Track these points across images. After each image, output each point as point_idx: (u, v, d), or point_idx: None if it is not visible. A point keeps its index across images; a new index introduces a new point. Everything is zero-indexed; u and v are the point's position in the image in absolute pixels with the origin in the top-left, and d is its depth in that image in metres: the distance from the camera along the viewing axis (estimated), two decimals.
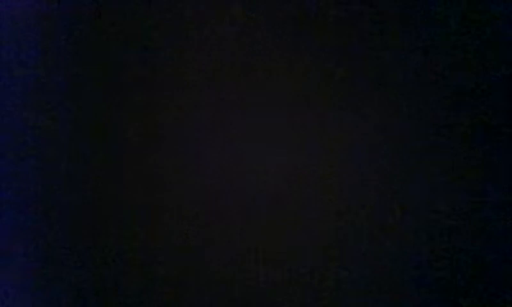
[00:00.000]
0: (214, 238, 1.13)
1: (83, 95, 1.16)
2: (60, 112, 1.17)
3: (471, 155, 1.11)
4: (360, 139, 1.11)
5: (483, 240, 1.10)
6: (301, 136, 1.12)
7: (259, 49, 1.13)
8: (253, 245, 1.12)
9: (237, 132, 1.13)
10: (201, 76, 1.14)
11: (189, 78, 1.14)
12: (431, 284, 1.10)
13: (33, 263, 1.17)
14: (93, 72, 1.16)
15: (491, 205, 1.10)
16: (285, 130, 1.12)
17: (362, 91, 1.11)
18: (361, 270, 1.11)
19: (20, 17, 1.18)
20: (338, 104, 1.12)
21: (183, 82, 1.14)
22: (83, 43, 1.17)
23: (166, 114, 1.14)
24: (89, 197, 1.15)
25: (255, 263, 1.12)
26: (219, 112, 1.13)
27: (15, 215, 1.18)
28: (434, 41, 1.11)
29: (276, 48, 1.13)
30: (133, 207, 1.14)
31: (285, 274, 1.12)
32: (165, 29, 1.15)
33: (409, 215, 1.11)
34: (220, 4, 1.14)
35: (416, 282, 1.10)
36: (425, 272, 1.10)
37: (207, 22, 1.14)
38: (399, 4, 1.11)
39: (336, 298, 1.11)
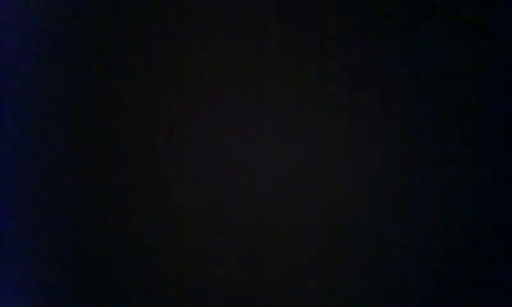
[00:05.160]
0: (214, 238, 1.13)
1: (83, 95, 1.16)
2: (60, 112, 1.17)
3: (471, 155, 1.11)
4: (360, 139, 1.11)
5: (483, 240, 1.10)
6: (301, 136, 1.12)
7: (259, 49, 1.13)
8: (253, 245, 1.12)
9: (237, 132, 1.13)
10: (201, 76, 1.14)
11: (190, 78, 1.14)
12: (431, 284, 1.10)
13: (33, 263, 1.17)
14: (93, 72, 1.16)
15: (491, 205, 1.10)
16: (285, 130, 1.12)
17: (362, 91, 1.12)
18: (361, 270, 1.11)
19: (20, 17, 1.18)
20: (338, 104, 1.12)
21: (183, 82, 1.14)
22: (83, 43, 1.17)
23: (167, 114, 1.14)
24: (90, 198, 1.15)
25: (255, 263, 1.12)
26: (219, 112, 1.13)
27: (15, 215, 1.18)
28: (434, 42, 1.11)
29: (275, 49, 1.13)
30: (133, 207, 1.14)
31: (285, 274, 1.12)
32: (165, 29, 1.15)
33: (409, 215, 1.11)
34: (220, 4, 1.14)
35: (416, 282, 1.11)
36: (424, 272, 1.10)
37: (208, 21, 1.14)
38: (399, 5, 1.11)
39: (336, 298, 1.11)
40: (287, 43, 1.12)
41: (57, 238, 1.16)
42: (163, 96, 1.14)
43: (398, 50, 1.11)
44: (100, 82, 1.16)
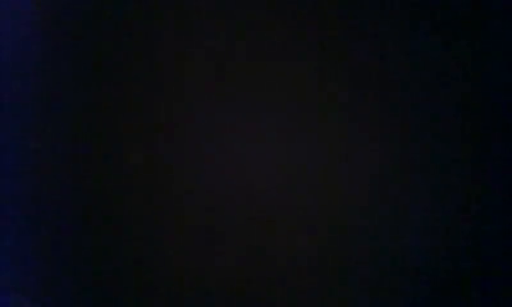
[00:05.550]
0: (214, 238, 1.13)
1: (83, 95, 1.16)
2: (60, 112, 1.17)
3: (471, 155, 1.11)
4: (360, 139, 1.11)
5: (483, 240, 1.10)
6: (301, 136, 1.12)
7: (259, 48, 1.13)
8: (253, 245, 1.12)
9: (237, 132, 1.13)
10: (201, 76, 1.14)
11: (190, 78, 1.14)
12: (431, 284, 1.10)
13: (33, 263, 1.17)
14: (93, 72, 1.16)
15: (491, 205, 1.10)
16: (285, 130, 1.12)
17: (362, 91, 1.12)
18: (361, 270, 1.11)
19: (20, 16, 1.18)
20: (338, 104, 1.12)
21: (183, 82, 1.14)
22: (83, 43, 1.17)
23: (167, 114, 1.14)
24: (90, 198, 1.15)
25: (255, 263, 1.12)
26: (219, 112, 1.13)
27: (15, 215, 1.18)
28: (434, 42, 1.11)
29: (275, 49, 1.13)
30: (133, 207, 1.14)
31: (285, 274, 1.12)
32: (165, 29, 1.15)
33: (409, 215, 1.11)
34: (220, 4, 1.14)
35: (416, 282, 1.11)
36: (424, 272, 1.10)
37: (208, 21, 1.14)
38: (399, 5, 1.11)
39: (336, 298, 1.11)
40: (287, 43, 1.12)
41: (57, 238, 1.16)
42: (163, 96, 1.14)
43: (398, 50, 1.11)
44: (100, 82, 1.16)
